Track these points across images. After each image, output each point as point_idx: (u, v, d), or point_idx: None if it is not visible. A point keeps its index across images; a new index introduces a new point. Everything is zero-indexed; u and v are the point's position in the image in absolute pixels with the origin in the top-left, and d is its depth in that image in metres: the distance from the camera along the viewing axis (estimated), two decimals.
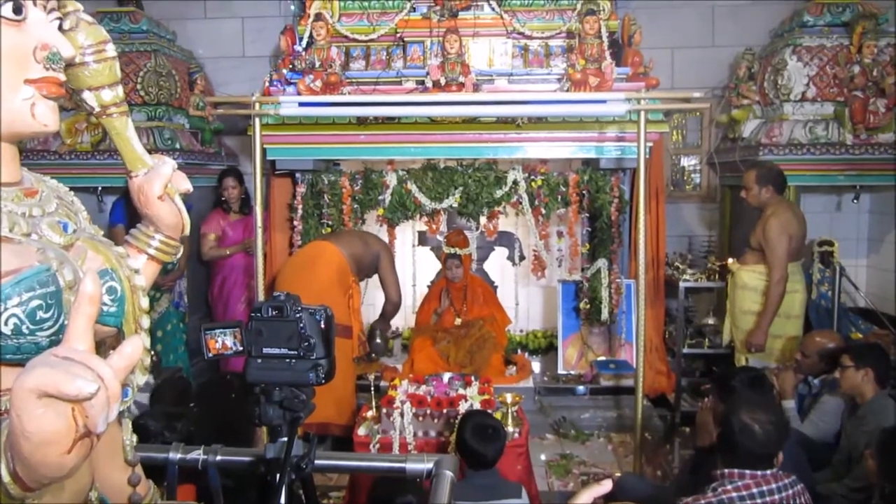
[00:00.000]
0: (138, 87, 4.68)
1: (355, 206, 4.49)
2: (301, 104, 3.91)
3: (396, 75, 4.56)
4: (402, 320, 5.21)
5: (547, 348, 5.16)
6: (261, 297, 3.73)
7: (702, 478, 2.30)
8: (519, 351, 5.13)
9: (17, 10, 0.85)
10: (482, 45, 4.65)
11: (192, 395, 3.10)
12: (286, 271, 4.08)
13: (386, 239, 4.58)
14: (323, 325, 1.26)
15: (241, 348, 1.22)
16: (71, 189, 1.09)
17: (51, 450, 0.64)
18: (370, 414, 3.34)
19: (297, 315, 1.24)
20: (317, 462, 1.32)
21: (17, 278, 0.81)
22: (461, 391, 3.39)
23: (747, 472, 2.01)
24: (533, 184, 4.37)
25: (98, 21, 1.03)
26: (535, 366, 4.87)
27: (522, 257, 5.36)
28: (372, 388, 3.46)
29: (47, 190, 0.99)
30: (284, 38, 4.53)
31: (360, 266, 4.12)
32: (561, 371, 4.64)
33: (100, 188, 4.92)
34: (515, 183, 4.37)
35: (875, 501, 2.31)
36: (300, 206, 4.52)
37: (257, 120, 3.66)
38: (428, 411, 3.28)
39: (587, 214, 4.55)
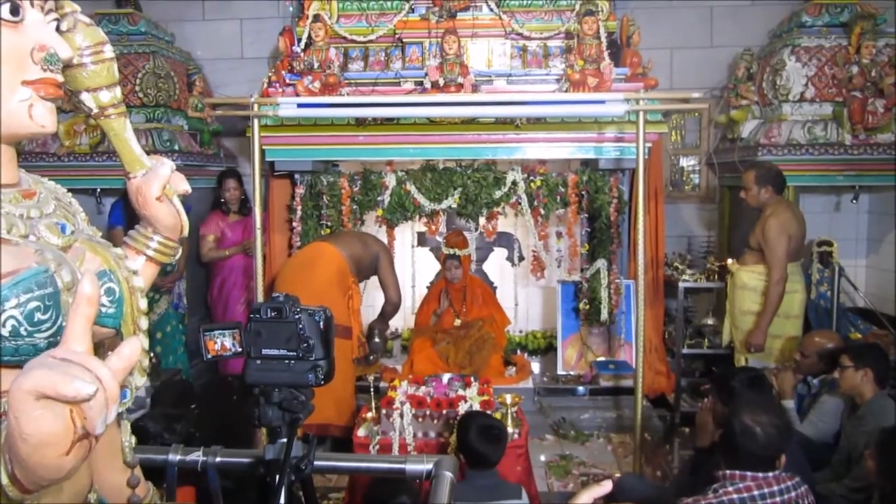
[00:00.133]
0: (137, 88, 4.68)
1: (354, 207, 4.48)
2: (300, 105, 3.91)
3: (395, 76, 4.56)
4: (402, 321, 5.21)
5: (546, 349, 5.16)
6: (260, 298, 3.73)
7: (702, 478, 2.30)
8: (518, 351, 5.13)
9: (15, 11, 0.85)
10: (481, 46, 4.65)
11: (193, 397, 3.10)
12: (285, 272, 4.08)
13: (385, 240, 4.58)
14: (322, 326, 1.26)
15: (240, 349, 1.22)
16: (69, 191, 1.09)
17: (49, 451, 0.64)
18: (370, 415, 3.33)
19: (297, 316, 1.24)
20: (316, 463, 1.32)
21: (15, 280, 0.81)
22: (461, 392, 3.39)
23: (748, 473, 1.99)
24: (532, 184, 4.38)
25: (96, 23, 1.03)
26: (535, 366, 4.87)
27: (522, 258, 5.35)
28: (371, 389, 3.46)
29: (45, 191, 0.99)
30: (283, 40, 4.53)
31: (359, 267, 4.12)
32: (560, 372, 4.64)
33: (98, 190, 4.92)
34: (514, 183, 4.37)
35: (874, 502, 2.31)
36: (299, 208, 4.52)
37: (256, 121, 3.66)
38: (427, 412, 3.28)
39: (586, 215, 4.55)
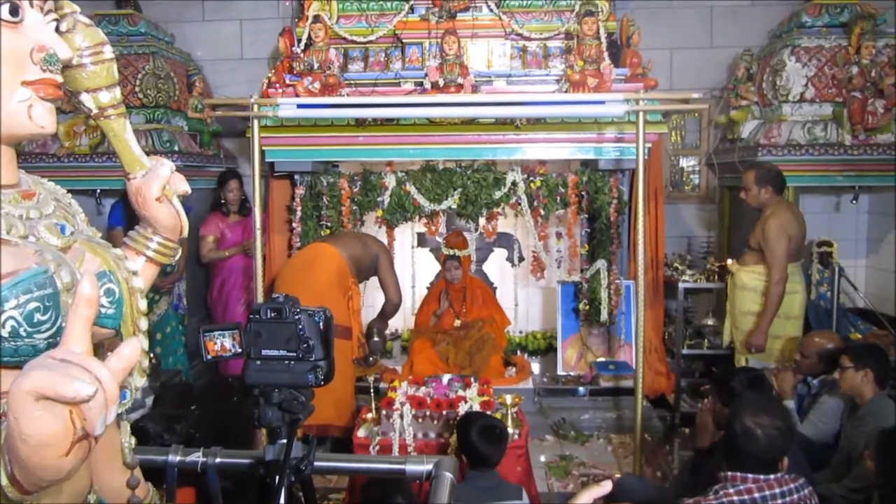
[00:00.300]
0: (136, 89, 4.68)
1: (354, 207, 4.48)
2: (299, 106, 3.91)
3: (395, 77, 4.56)
4: (402, 322, 5.21)
5: (546, 349, 5.15)
6: (260, 298, 3.73)
7: (702, 479, 2.30)
8: (518, 352, 5.13)
9: (14, 11, 0.85)
10: (481, 47, 4.65)
11: (193, 398, 3.10)
12: (285, 273, 4.08)
13: (385, 240, 4.58)
14: (322, 327, 1.26)
15: (239, 350, 1.22)
16: (69, 191, 1.09)
17: (48, 452, 0.63)
18: (370, 415, 3.33)
19: (296, 317, 1.24)
20: (316, 464, 1.32)
21: (15, 280, 0.80)
22: (461, 393, 3.39)
23: (750, 475, 1.98)
24: (532, 185, 4.37)
25: (96, 23, 1.03)
26: (535, 367, 4.87)
27: (521, 258, 5.35)
28: (371, 390, 3.46)
29: (45, 192, 0.99)
30: (283, 40, 4.53)
31: (359, 267, 4.12)
32: (560, 372, 4.64)
33: (98, 190, 4.91)
34: (514, 184, 4.37)
35: (874, 502, 2.31)
36: (299, 208, 4.52)
37: (256, 122, 3.66)
38: (427, 413, 3.28)
39: (586, 215, 4.55)
